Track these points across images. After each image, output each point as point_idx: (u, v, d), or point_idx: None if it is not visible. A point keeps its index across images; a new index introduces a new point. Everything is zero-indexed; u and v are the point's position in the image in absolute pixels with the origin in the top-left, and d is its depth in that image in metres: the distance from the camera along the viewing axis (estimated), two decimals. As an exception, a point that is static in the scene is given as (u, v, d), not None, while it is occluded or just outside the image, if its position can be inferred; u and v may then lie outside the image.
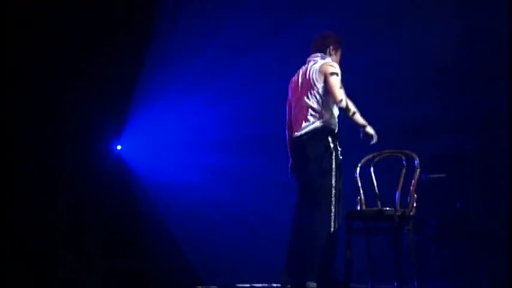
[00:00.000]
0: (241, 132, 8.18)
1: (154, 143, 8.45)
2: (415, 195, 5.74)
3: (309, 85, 5.74)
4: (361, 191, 5.91)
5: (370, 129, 5.63)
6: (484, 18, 7.40)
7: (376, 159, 5.98)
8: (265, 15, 8.10)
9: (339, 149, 5.71)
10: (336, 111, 5.75)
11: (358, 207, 5.88)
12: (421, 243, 6.62)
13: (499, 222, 7.23)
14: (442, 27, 7.64)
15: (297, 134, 5.75)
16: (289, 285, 5.56)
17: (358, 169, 5.96)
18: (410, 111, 7.67)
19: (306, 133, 5.71)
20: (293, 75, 5.96)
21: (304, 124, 5.72)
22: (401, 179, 5.82)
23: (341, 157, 5.70)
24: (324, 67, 5.71)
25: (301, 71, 5.86)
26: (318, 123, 5.69)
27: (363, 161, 5.99)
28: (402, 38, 7.75)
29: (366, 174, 5.95)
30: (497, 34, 7.25)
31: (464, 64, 7.60)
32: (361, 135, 5.61)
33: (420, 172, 5.83)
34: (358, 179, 5.93)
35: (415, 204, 5.71)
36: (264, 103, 8.03)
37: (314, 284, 5.45)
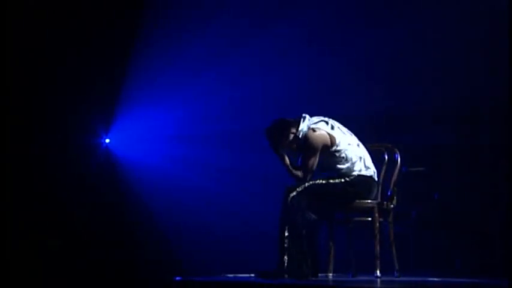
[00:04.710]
0: (229, 126, 8.25)
1: (143, 136, 8.50)
2: (396, 188, 5.87)
3: None
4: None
5: None
6: (468, 11, 7.47)
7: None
8: (252, 12, 8.17)
9: None
10: None
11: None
12: (401, 235, 6.73)
13: (476, 213, 7.38)
14: (423, 21, 7.70)
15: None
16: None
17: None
18: (390, 104, 7.77)
19: None
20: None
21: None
22: (382, 173, 5.95)
23: None
24: None
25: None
26: None
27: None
28: (382, 32, 7.83)
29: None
30: (480, 25, 7.34)
31: (444, 56, 7.68)
32: None
33: (400, 165, 5.96)
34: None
35: (395, 197, 5.85)
36: (250, 98, 8.12)
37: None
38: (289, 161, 5.82)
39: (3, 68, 7.55)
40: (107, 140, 8.38)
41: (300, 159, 5.81)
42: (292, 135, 5.78)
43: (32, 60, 7.71)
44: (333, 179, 5.72)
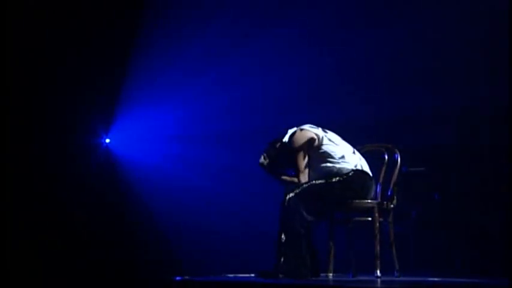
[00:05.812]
0: (229, 126, 8.27)
1: (143, 136, 8.51)
2: (396, 188, 5.87)
3: None
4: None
5: None
6: (468, 11, 7.48)
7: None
8: (252, 12, 8.19)
9: None
10: None
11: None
12: (401, 235, 6.73)
13: (476, 213, 7.39)
14: (423, 21, 7.71)
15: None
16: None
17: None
18: (391, 105, 7.78)
19: None
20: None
21: None
22: (382, 173, 5.95)
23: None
24: None
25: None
26: None
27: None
28: (382, 32, 7.84)
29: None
30: (480, 25, 7.34)
31: (444, 57, 7.69)
32: None
33: (400, 165, 5.96)
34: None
35: (395, 197, 5.85)
36: (250, 98, 8.14)
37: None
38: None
39: (3, 68, 7.56)
40: (107, 140, 8.40)
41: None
42: (278, 144, 5.84)
43: (32, 60, 7.72)
44: (330, 178, 5.71)
